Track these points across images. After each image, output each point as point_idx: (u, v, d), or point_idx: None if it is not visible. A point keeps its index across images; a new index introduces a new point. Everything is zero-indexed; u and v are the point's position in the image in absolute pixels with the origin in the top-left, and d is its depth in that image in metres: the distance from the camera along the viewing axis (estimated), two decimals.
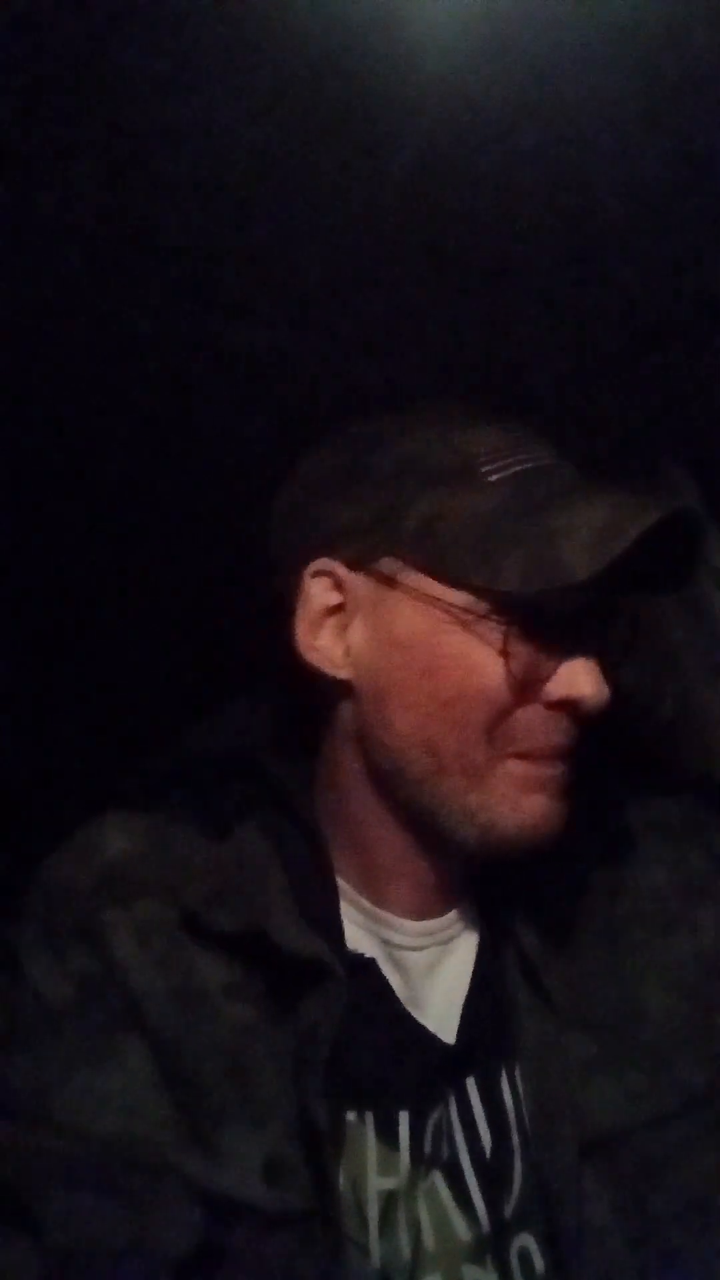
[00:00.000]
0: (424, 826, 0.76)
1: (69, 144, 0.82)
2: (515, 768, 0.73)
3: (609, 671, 0.75)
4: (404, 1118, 0.74)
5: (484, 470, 0.73)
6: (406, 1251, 0.71)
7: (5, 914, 0.78)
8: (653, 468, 1.16)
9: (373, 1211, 0.72)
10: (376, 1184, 0.73)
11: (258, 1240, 0.68)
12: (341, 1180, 0.71)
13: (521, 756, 0.73)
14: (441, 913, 0.80)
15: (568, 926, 0.79)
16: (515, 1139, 0.75)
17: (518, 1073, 0.76)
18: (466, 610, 0.71)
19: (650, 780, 1.06)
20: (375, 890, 0.79)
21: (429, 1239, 0.72)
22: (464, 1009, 0.77)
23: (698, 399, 1.08)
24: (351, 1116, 0.73)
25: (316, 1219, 0.69)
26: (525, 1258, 0.73)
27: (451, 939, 0.80)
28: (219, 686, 0.93)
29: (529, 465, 0.74)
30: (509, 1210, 0.73)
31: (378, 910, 0.79)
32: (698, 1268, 0.73)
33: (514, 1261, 0.73)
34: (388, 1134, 0.73)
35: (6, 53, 0.75)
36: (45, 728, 1.29)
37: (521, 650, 0.71)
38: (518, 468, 0.73)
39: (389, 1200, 0.72)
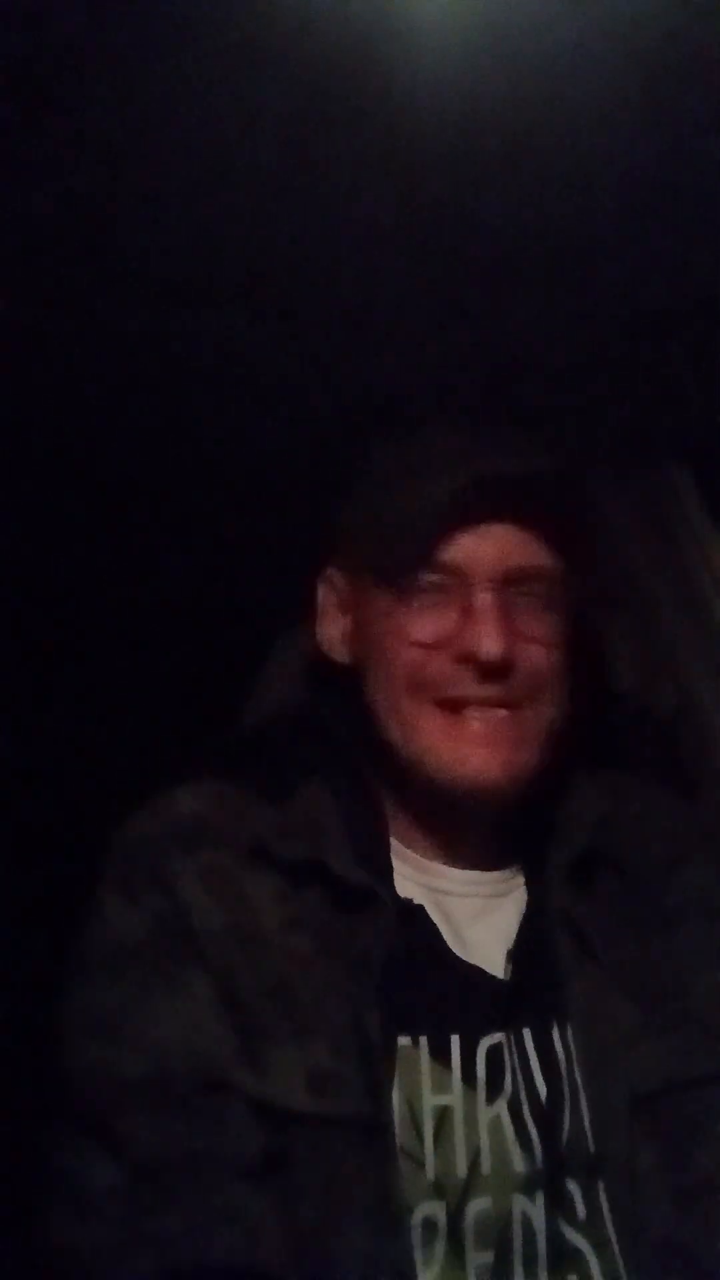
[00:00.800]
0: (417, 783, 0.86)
1: (69, 143, 0.82)
2: (438, 716, 0.84)
3: (525, 632, 0.84)
4: (455, 1041, 0.80)
5: (418, 475, 0.84)
6: (462, 1170, 0.78)
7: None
8: (653, 467, 1.17)
9: (428, 1126, 0.78)
10: (431, 1100, 0.79)
11: (314, 1147, 0.75)
12: (398, 1099, 0.78)
13: (441, 704, 0.84)
14: (488, 868, 0.88)
15: (619, 906, 0.88)
16: (565, 1090, 0.81)
17: (569, 1029, 0.83)
18: (385, 588, 0.85)
19: (650, 773, 1.07)
20: (422, 842, 0.87)
21: (486, 1165, 0.78)
22: (511, 955, 0.84)
23: (698, 399, 1.08)
24: (406, 1041, 0.80)
25: (369, 1128, 0.76)
26: (570, 1201, 0.79)
27: (498, 895, 0.87)
28: (221, 689, 0.95)
29: (454, 461, 0.83)
30: (559, 1152, 0.80)
31: (425, 860, 0.87)
32: None
33: (560, 1203, 0.79)
34: (440, 1056, 0.80)
35: (7, 49, 0.75)
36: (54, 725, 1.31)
37: (422, 614, 0.84)
38: (445, 466, 0.83)
39: (443, 1116, 0.79)
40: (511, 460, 0.83)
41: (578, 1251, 0.78)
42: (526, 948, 0.85)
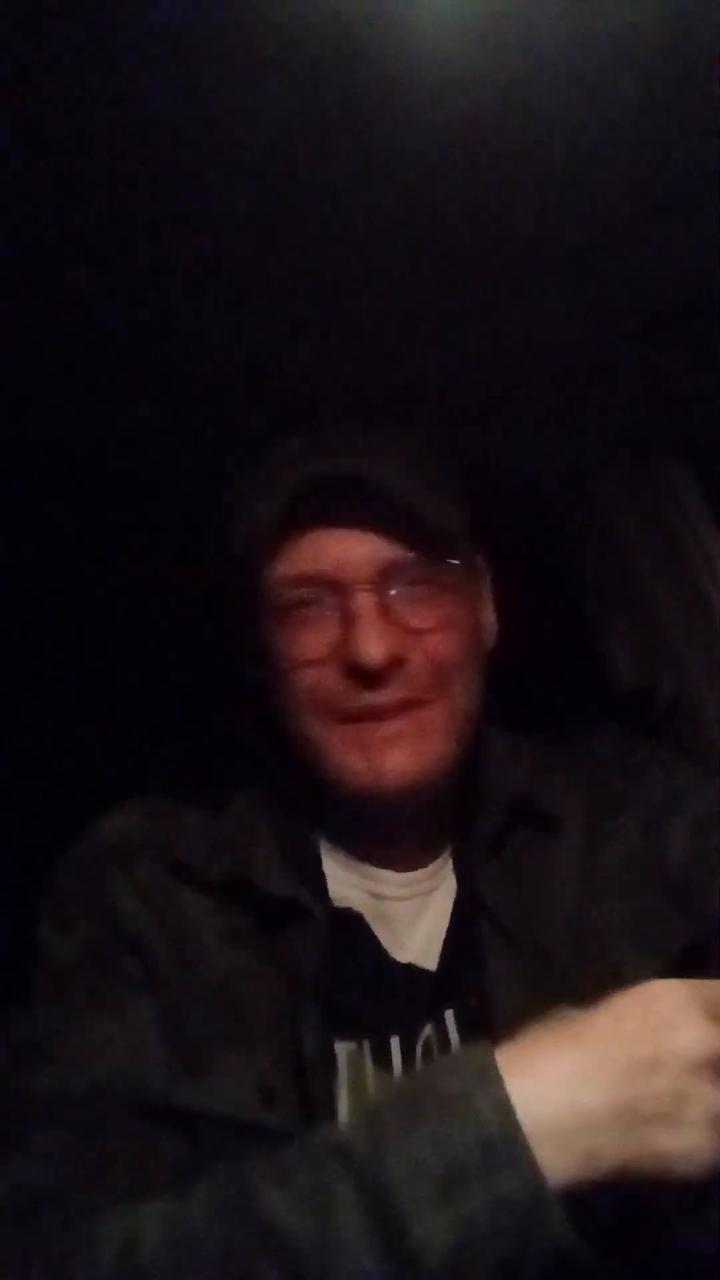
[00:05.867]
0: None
1: (69, 139, 0.82)
2: (343, 730, 0.80)
3: (415, 625, 0.81)
4: (395, 1043, 0.80)
5: (257, 487, 0.82)
6: None
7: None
8: (653, 465, 1.17)
9: None
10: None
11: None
12: (346, 1104, 0.78)
13: (343, 720, 0.80)
14: (425, 864, 0.86)
15: (542, 874, 0.86)
16: None
17: (493, 1007, 0.81)
18: (263, 607, 0.82)
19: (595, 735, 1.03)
20: (362, 848, 0.86)
21: None
22: (444, 945, 0.84)
23: (698, 397, 1.09)
24: (351, 1047, 0.80)
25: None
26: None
27: (433, 889, 0.86)
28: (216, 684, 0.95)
29: (288, 466, 0.81)
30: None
31: (364, 865, 0.86)
32: None
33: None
34: (382, 1059, 0.80)
35: (7, 50, 0.75)
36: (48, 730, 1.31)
37: (301, 631, 0.80)
38: (279, 472, 0.81)
39: None
40: (346, 459, 0.79)
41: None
42: (454, 933, 0.84)
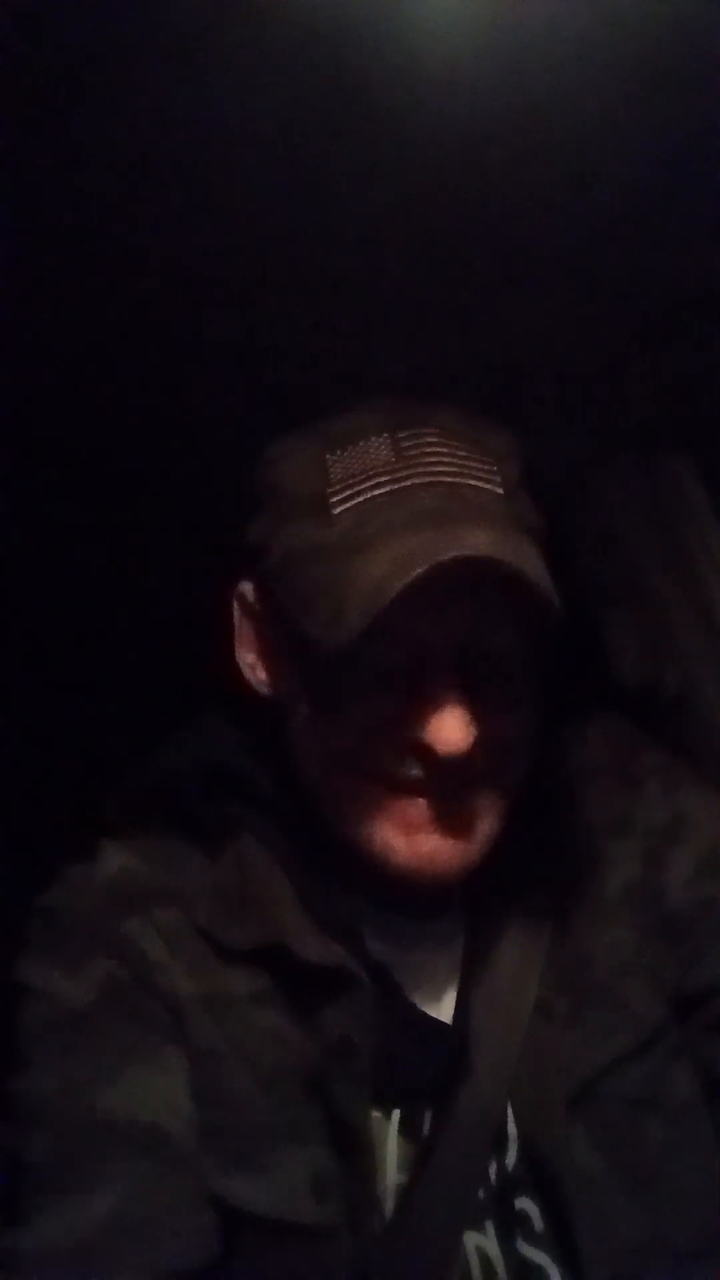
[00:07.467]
0: None
1: (69, 135, 0.82)
2: (380, 796, 0.72)
3: (490, 711, 0.71)
4: (428, 1117, 0.74)
5: (333, 501, 0.72)
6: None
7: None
8: (657, 459, 1.17)
9: (388, 1207, 0.71)
10: (394, 1179, 0.72)
11: (290, 1255, 0.69)
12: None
13: (382, 782, 0.72)
14: (443, 911, 0.79)
15: (549, 906, 0.79)
16: (508, 1106, 0.74)
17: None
18: (310, 647, 0.70)
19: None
20: (382, 896, 0.77)
21: None
22: (459, 993, 0.77)
23: (702, 391, 1.08)
24: (376, 1114, 0.73)
25: (348, 1231, 0.69)
26: (524, 1220, 0.73)
27: (451, 936, 0.79)
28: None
29: (381, 491, 0.71)
30: (506, 1174, 0.73)
31: (387, 914, 0.78)
32: (693, 1207, 0.74)
33: (514, 1223, 0.73)
34: (410, 1132, 0.73)
35: (7, 51, 0.75)
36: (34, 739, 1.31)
37: (360, 692, 0.71)
38: (365, 496, 0.71)
39: (402, 1194, 0.72)
40: (483, 535, 0.68)
41: (539, 1268, 0.71)
42: (469, 977, 0.77)
